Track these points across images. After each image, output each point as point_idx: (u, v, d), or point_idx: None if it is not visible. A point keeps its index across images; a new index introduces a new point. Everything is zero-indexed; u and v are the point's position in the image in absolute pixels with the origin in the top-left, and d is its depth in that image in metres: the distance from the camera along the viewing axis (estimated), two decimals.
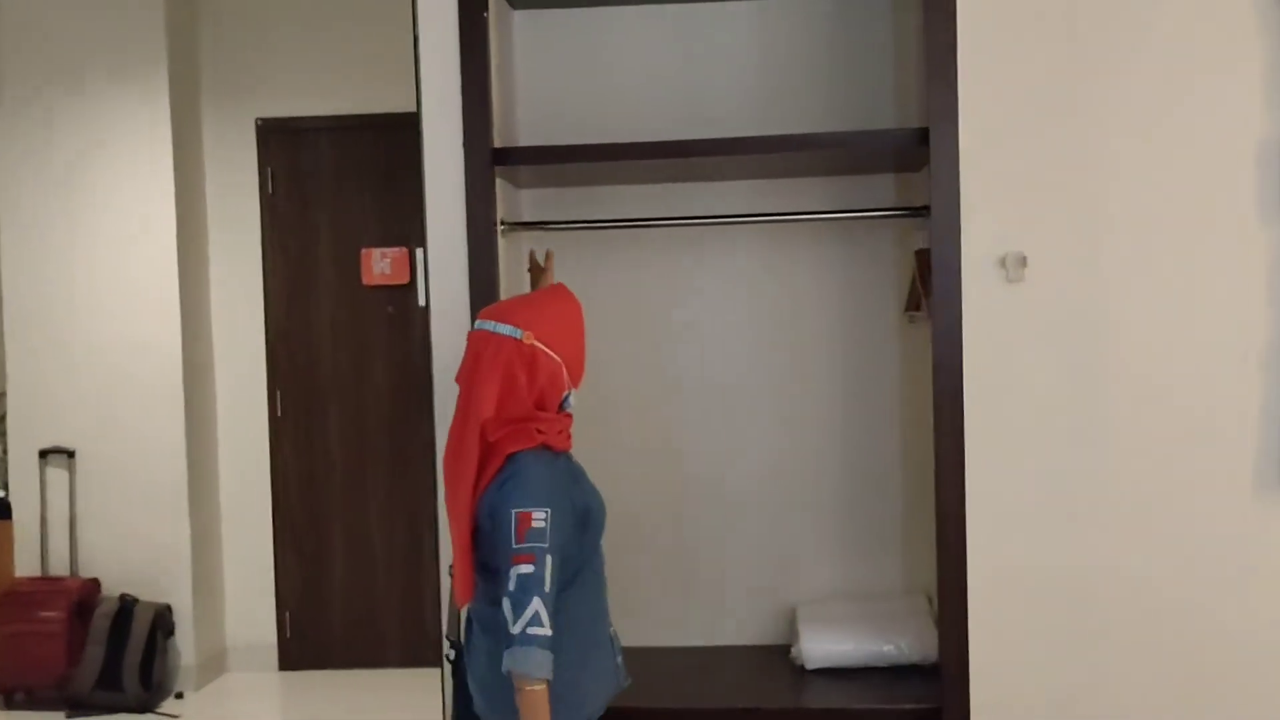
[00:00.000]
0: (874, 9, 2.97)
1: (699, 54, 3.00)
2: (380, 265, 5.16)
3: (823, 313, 3.01)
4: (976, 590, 2.53)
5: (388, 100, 5.04)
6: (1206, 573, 2.55)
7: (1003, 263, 2.50)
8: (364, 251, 5.17)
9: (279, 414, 5.22)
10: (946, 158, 2.49)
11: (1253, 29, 2.46)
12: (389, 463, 5.19)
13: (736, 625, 3.04)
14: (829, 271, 3.01)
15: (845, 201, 2.99)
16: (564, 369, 2.26)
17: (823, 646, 2.81)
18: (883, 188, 3.01)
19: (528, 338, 2.21)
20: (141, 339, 4.98)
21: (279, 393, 5.22)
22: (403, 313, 5.19)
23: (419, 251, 5.10)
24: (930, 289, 2.69)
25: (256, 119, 5.20)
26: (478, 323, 2.28)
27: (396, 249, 5.17)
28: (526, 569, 2.06)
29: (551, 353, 2.24)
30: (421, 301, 5.11)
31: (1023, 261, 2.49)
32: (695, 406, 3.03)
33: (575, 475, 2.32)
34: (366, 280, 5.17)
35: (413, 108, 4.94)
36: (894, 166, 2.94)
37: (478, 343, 2.25)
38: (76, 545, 5.03)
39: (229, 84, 5.23)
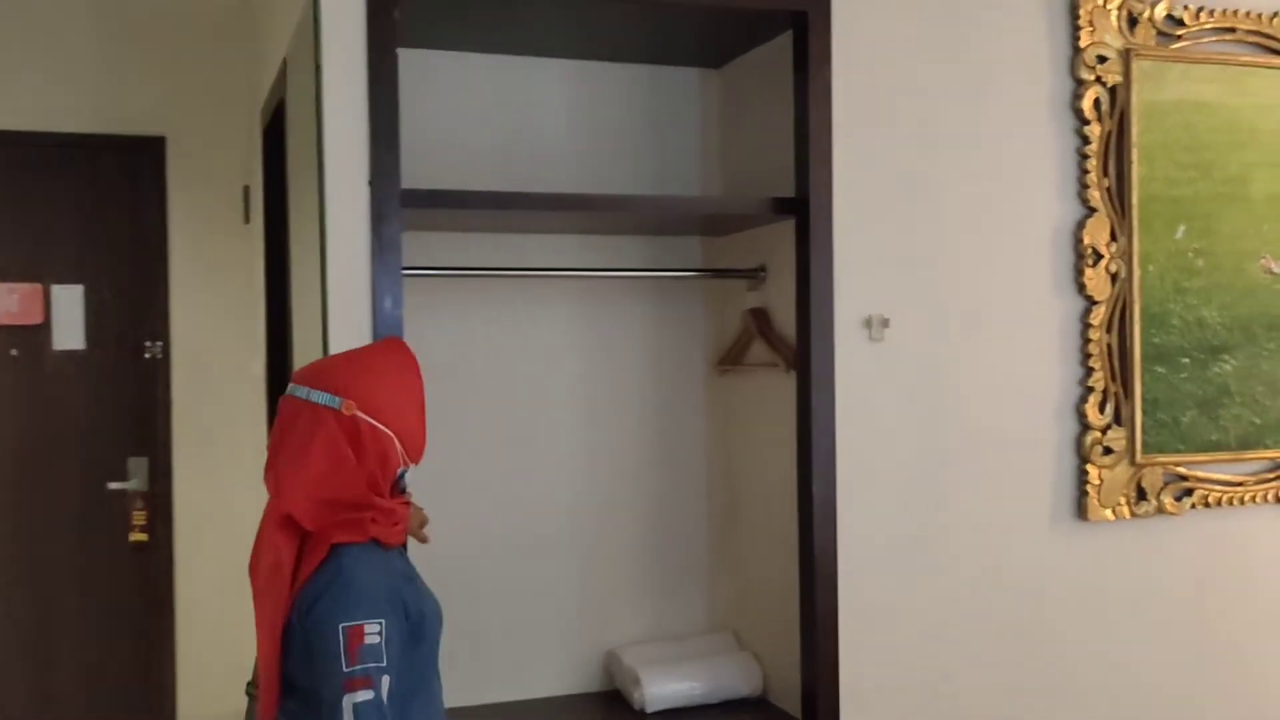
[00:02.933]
0: (682, 85, 3.17)
1: (516, 106, 3.03)
2: (6, 302, 4.51)
3: (634, 363, 3.14)
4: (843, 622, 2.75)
5: (23, 116, 4.45)
6: (1019, 592, 2.91)
7: (867, 323, 2.75)
8: None
9: None
10: (822, 228, 2.72)
11: (1049, 133, 2.92)
12: (11, 526, 4.51)
13: (553, 674, 3.05)
14: (640, 325, 3.15)
15: (655, 260, 3.15)
16: (396, 443, 1.92)
17: (664, 687, 2.90)
18: (688, 249, 3.20)
19: (348, 407, 1.86)
20: None
21: None
22: (31, 356, 4.55)
23: (55, 288, 4.55)
24: (775, 344, 2.92)
25: None
26: (290, 387, 1.92)
27: (28, 284, 4.53)
28: (364, 695, 1.74)
29: (379, 425, 1.89)
30: (56, 345, 4.56)
31: (885, 323, 2.76)
32: (504, 452, 3.02)
33: (409, 576, 1.98)
34: None
35: (63, 127, 4.44)
36: (701, 230, 3.14)
37: (289, 412, 1.89)
38: None
39: None
